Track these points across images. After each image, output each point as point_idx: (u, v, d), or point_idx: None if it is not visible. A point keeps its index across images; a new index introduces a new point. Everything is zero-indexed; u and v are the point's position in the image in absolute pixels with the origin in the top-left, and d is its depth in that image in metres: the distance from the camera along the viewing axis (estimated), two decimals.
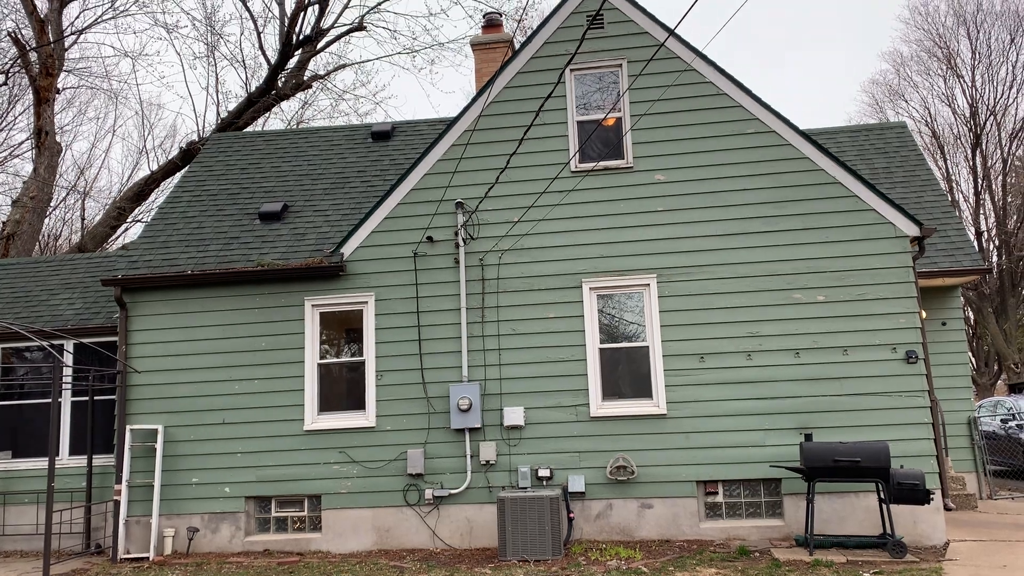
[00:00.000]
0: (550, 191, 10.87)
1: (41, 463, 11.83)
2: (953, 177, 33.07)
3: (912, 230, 10.35)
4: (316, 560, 10.19)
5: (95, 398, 12.02)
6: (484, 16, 14.52)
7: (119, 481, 11.01)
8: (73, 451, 12.20)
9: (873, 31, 64.27)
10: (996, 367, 32.35)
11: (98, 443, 11.90)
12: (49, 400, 11.03)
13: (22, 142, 28.83)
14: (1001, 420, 17.01)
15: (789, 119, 10.80)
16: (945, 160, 33.17)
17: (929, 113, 33.89)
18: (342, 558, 10.28)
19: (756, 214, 10.65)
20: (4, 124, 28.50)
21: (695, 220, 10.74)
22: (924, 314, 11.73)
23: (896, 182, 14.41)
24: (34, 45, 22.46)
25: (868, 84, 54.59)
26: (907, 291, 10.27)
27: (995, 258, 31.53)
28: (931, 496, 9.02)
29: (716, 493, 10.35)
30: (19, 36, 22.60)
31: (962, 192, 33.08)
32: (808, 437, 9.81)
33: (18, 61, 23.40)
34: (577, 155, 11.07)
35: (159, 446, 11.06)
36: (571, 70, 11.27)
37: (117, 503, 10.97)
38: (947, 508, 11.15)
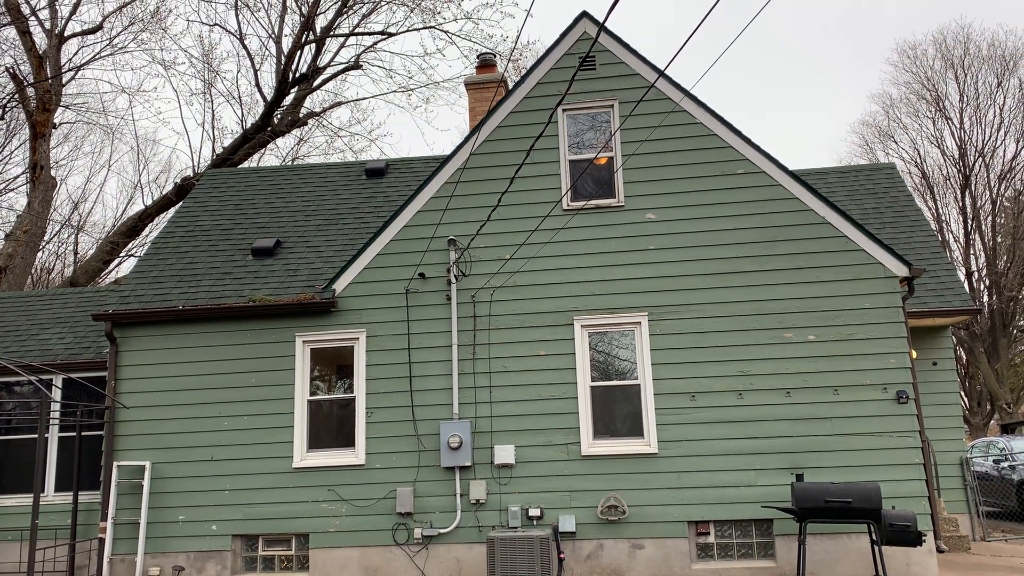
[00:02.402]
0: (542, 229, 10.92)
1: (26, 499, 11.68)
2: (943, 218, 33.33)
3: (901, 270, 10.42)
4: None
5: (82, 434, 11.91)
6: (478, 56, 14.71)
7: (104, 518, 10.88)
8: (59, 487, 12.06)
9: (862, 73, 65.29)
10: (988, 407, 32.32)
11: (84, 479, 11.77)
12: (36, 436, 10.92)
13: (17, 176, 28.90)
14: (994, 461, 16.94)
15: (779, 159, 10.91)
16: (935, 201, 33.46)
17: (918, 154, 34.26)
18: None
19: (746, 253, 10.71)
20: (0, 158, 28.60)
21: (686, 259, 10.80)
22: (915, 354, 11.74)
23: (886, 222, 14.52)
24: (32, 81, 22.65)
25: (858, 125, 55.27)
26: (897, 331, 10.30)
27: (986, 298, 31.66)
28: (923, 538, 8.97)
29: (708, 533, 10.26)
30: (17, 72, 22.78)
31: (952, 232, 33.32)
32: (799, 477, 9.77)
33: (15, 96, 23.56)
34: (569, 193, 11.15)
35: (146, 483, 10.94)
36: (563, 110, 11.39)
37: (102, 541, 10.82)
38: (940, 550, 11.05)
